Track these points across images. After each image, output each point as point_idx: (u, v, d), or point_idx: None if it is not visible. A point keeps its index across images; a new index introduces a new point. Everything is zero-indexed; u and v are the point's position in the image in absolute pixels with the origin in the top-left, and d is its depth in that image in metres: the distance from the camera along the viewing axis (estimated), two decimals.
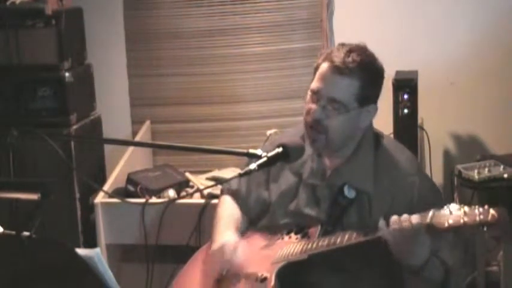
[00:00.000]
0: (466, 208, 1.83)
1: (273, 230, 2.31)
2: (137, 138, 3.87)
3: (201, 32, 3.93)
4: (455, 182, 3.39)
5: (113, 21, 4.00)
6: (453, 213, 1.84)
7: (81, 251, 1.72)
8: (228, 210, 2.46)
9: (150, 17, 3.98)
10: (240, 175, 2.14)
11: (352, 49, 2.18)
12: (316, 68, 2.22)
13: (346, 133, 2.20)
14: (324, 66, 2.18)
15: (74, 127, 3.63)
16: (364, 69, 2.16)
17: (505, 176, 3.20)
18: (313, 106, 2.19)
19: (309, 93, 2.22)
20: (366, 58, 2.18)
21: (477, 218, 1.79)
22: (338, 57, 2.16)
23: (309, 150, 2.29)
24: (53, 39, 3.58)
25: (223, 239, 2.31)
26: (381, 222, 1.98)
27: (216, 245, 2.31)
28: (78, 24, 3.82)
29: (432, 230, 1.89)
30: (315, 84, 2.20)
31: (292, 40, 3.86)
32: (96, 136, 3.83)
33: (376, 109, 2.23)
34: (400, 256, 2.00)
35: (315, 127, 2.19)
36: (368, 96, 2.19)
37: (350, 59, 2.15)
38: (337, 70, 2.15)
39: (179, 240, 3.23)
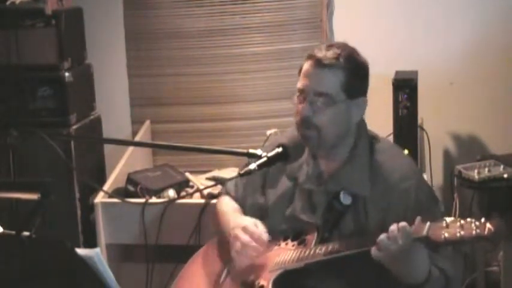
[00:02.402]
0: (463, 221, 1.82)
1: (270, 237, 2.30)
2: (137, 138, 3.87)
3: (201, 32, 3.93)
4: (455, 182, 3.39)
5: (112, 21, 4.00)
6: (450, 226, 1.82)
7: (81, 251, 1.72)
8: (231, 206, 2.45)
9: (150, 17, 3.98)
10: (240, 175, 2.15)
11: (332, 44, 2.23)
12: (300, 70, 2.24)
13: (338, 127, 2.19)
14: (307, 64, 2.21)
15: (74, 127, 3.63)
16: (346, 60, 2.18)
17: (505, 176, 3.20)
18: (301, 105, 2.20)
19: (296, 94, 2.23)
20: (347, 50, 2.21)
21: (473, 232, 1.78)
22: (319, 52, 2.19)
23: (305, 155, 2.28)
24: (53, 39, 3.58)
25: (239, 221, 2.27)
26: (382, 236, 1.95)
27: (233, 231, 2.24)
28: (78, 24, 3.82)
29: (428, 242, 1.88)
30: (300, 83, 2.22)
31: (292, 40, 3.86)
32: (96, 136, 3.83)
33: (365, 102, 2.24)
34: (399, 274, 1.98)
35: (305, 125, 2.18)
36: (354, 87, 2.20)
37: (331, 52, 2.18)
38: (320, 64, 2.17)
39: (179, 240, 3.22)
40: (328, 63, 2.16)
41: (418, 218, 1.92)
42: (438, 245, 1.88)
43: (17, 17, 3.57)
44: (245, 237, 2.19)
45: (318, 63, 2.17)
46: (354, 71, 2.19)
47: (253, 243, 2.18)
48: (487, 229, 1.77)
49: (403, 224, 1.91)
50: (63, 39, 3.58)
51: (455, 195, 3.43)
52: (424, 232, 1.87)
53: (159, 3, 3.95)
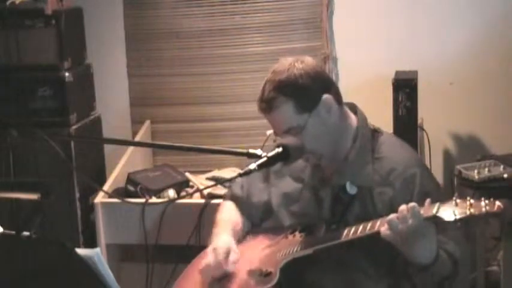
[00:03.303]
0: (472, 200, 1.85)
1: (277, 230, 2.32)
2: (137, 138, 3.87)
3: (201, 32, 3.93)
4: (455, 182, 3.39)
5: (113, 21, 4.01)
6: (459, 205, 1.85)
7: (81, 251, 1.72)
8: (226, 215, 2.47)
9: (150, 17, 3.98)
10: (240, 175, 2.15)
11: (267, 80, 2.21)
12: None
13: (325, 139, 2.21)
14: (261, 112, 2.23)
15: (74, 127, 3.63)
16: (283, 90, 2.16)
17: (505, 176, 3.20)
18: None
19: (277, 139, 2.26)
20: (280, 78, 2.18)
21: (483, 209, 1.81)
22: (260, 99, 2.20)
23: None
24: (53, 39, 3.58)
25: (217, 241, 2.32)
26: (392, 216, 1.97)
27: (209, 247, 2.32)
28: (78, 24, 3.82)
29: (438, 221, 1.89)
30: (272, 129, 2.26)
31: (292, 40, 3.86)
32: (96, 136, 3.83)
33: (327, 97, 2.19)
34: (408, 254, 1.99)
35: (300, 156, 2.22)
36: (308, 100, 2.18)
37: (267, 94, 2.18)
38: (266, 110, 2.20)
39: (179, 240, 3.23)
40: (270, 106, 2.18)
41: (428, 200, 1.94)
42: (448, 224, 1.88)
43: (17, 17, 3.57)
44: (209, 259, 2.26)
45: (263, 111, 2.21)
46: (296, 92, 2.17)
47: (211, 267, 2.25)
48: (496, 206, 1.80)
49: (412, 204, 1.93)
50: (63, 39, 3.59)
51: (455, 195, 3.43)
52: (434, 211, 1.88)
53: (159, 3, 3.96)
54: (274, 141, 2.28)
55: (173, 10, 3.95)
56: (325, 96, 2.19)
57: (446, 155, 3.84)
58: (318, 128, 2.19)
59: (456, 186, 3.40)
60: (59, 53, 3.59)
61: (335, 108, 2.22)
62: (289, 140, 2.18)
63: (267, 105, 2.18)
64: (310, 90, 2.18)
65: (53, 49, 3.59)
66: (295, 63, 2.20)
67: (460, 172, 3.28)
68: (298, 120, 2.17)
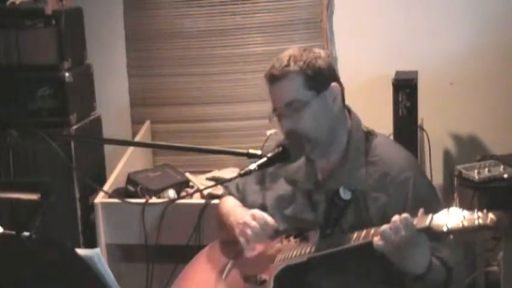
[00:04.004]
0: (465, 212, 1.83)
1: (272, 235, 2.31)
2: (137, 138, 3.87)
3: (201, 32, 3.94)
4: (455, 182, 3.39)
5: (113, 21, 4.01)
6: (452, 216, 1.84)
7: (81, 251, 1.72)
8: (236, 203, 2.46)
9: (150, 17, 3.98)
10: (240, 175, 2.15)
11: (279, 56, 2.25)
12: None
13: (323, 124, 2.20)
14: (267, 84, 2.25)
15: (74, 127, 3.63)
16: (297, 61, 2.20)
17: (505, 176, 3.20)
18: (281, 123, 2.23)
19: (274, 116, 2.26)
20: (293, 53, 2.23)
21: (476, 222, 1.79)
22: (272, 67, 2.23)
23: (302, 158, 2.29)
24: (53, 39, 3.58)
25: (246, 212, 2.29)
26: (385, 226, 1.97)
27: (240, 219, 2.26)
28: (78, 24, 3.82)
29: (431, 233, 1.88)
30: (271, 105, 2.26)
31: (292, 40, 3.86)
32: (96, 136, 3.83)
33: (336, 86, 2.22)
34: (401, 264, 1.98)
35: (293, 138, 2.20)
36: (317, 80, 2.19)
37: (279, 63, 2.21)
38: (274, 78, 2.21)
39: (179, 240, 3.23)
40: (280, 73, 2.19)
41: (421, 210, 1.93)
42: (441, 236, 1.88)
43: (17, 17, 3.57)
44: (254, 223, 2.22)
45: (272, 78, 2.22)
46: (308, 68, 2.19)
47: (261, 230, 2.20)
48: (489, 219, 1.78)
49: (405, 215, 1.92)
50: (63, 39, 3.59)
51: (455, 195, 3.44)
52: (427, 223, 1.87)
53: (159, 3, 3.96)
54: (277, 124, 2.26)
55: (173, 10, 3.95)
56: (335, 84, 2.22)
57: (446, 155, 3.84)
58: (320, 110, 2.19)
59: (456, 186, 3.40)
60: (59, 53, 3.59)
61: (339, 101, 2.23)
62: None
63: (279, 72, 2.19)
64: (324, 72, 2.21)
65: (53, 49, 3.59)
66: (312, 48, 2.25)
67: (460, 172, 3.28)
68: (304, 95, 2.18)
